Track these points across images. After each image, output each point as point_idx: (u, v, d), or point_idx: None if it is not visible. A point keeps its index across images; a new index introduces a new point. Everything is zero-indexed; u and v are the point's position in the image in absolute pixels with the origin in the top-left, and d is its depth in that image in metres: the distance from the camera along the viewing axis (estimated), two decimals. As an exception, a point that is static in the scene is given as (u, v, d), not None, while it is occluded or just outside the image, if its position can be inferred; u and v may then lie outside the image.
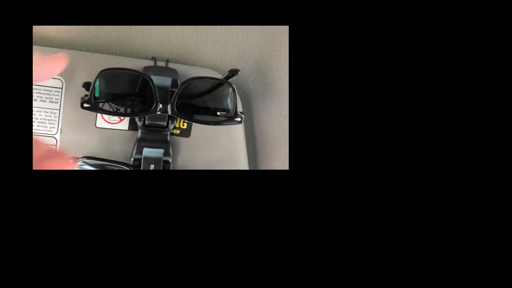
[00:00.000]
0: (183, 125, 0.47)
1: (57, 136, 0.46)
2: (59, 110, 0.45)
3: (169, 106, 0.43)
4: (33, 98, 0.44)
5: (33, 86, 0.44)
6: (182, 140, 0.48)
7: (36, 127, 0.45)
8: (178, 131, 0.47)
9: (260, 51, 0.49)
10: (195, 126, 0.48)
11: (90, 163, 0.45)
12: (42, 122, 0.45)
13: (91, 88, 0.42)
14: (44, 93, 0.45)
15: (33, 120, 0.45)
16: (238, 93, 0.45)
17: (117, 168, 0.46)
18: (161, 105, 0.42)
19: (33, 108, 0.45)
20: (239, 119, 0.45)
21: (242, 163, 0.50)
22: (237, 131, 0.49)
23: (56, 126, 0.45)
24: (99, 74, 0.41)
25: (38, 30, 0.46)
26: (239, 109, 0.45)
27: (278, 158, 0.52)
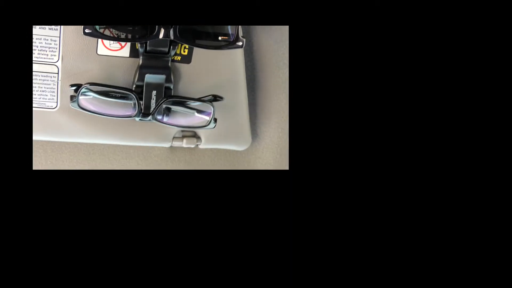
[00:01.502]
0: (184, 51, 0.48)
1: (59, 64, 0.46)
2: (59, 37, 0.45)
3: (171, 31, 0.43)
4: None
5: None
6: (183, 67, 0.49)
7: (37, 55, 0.45)
8: (179, 58, 0.48)
9: None
10: (196, 53, 0.48)
11: (94, 89, 0.45)
12: (43, 50, 0.45)
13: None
14: None
15: (34, 48, 0.45)
16: (238, 18, 0.45)
17: (120, 95, 0.47)
18: (163, 30, 0.43)
19: (33, 36, 0.44)
20: (240, 43, 0.45)
21: (241, 89, 0.51)
22: (237, 56, 0.49)
23: (57, 53, 0.45)
24: None
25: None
26: (240, 33, 0.45)
27: (276, 83, 0.53)
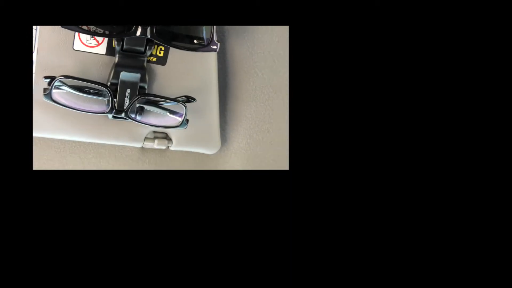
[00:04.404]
0: (159, 53, 0.49)
1: (33, 56, 0.46)
2: (36, 29, 0.46)
3: (148, 29, 0.44)
4: None
5: None
6: (158, 68, 0.50)
7: (13, 46, 0.45)
8: (154, 59, 0.49)
9: None
10: (171, 55, 0.49)
11: (68, 83, 0.46)
12: None
13: (71, 7, 0.43)
14: None
15: (10, 39, 0.45)
16: (214, 24, 0.47)
17: (94, 91, 0.47)
18: (140, 28, 0.44)
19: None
20: (214, 47, 0.47)
21: (213, 93, 0.52)
22: (211, 61, 0.51)
23: (32, 46, 0.46)
24: None
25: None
26: (215, 38, 0.47)
27: (246, 90, 0.55)
